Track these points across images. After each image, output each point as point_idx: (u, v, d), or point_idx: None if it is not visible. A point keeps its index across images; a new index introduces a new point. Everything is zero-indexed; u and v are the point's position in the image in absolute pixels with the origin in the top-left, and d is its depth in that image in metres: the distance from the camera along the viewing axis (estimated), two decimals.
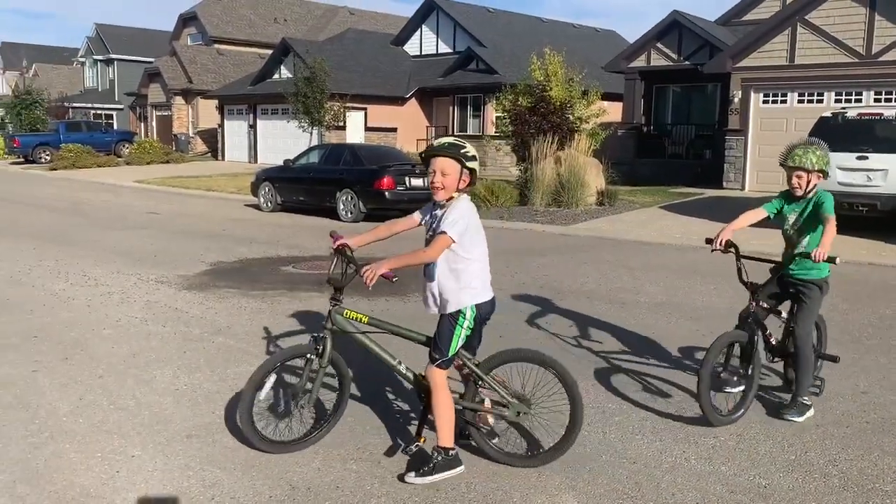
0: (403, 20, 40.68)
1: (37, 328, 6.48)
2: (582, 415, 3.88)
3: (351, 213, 15.03)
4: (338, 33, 38.53)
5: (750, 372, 4.61)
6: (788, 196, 4.72)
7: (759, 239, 7.29)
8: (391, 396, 4.97)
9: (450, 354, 3.73)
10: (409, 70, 33.40)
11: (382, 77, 31.95)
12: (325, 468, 3.91)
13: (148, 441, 4.21)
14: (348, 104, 27.48)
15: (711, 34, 22.18)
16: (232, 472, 3.83)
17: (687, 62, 22.52)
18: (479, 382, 3.89)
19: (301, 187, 16.37)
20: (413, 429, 4.23)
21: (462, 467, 3.76)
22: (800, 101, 18.87)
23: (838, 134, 11.64)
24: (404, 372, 3.95)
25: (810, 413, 4.60)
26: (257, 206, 17.13)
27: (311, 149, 18.13)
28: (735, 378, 4.66)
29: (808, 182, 4.54)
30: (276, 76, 33.22)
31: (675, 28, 22.80)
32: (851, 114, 12.34)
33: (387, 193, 14.55)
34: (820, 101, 18.31)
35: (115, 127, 46.51)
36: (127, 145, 36.47)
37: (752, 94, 19.47)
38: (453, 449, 3.74)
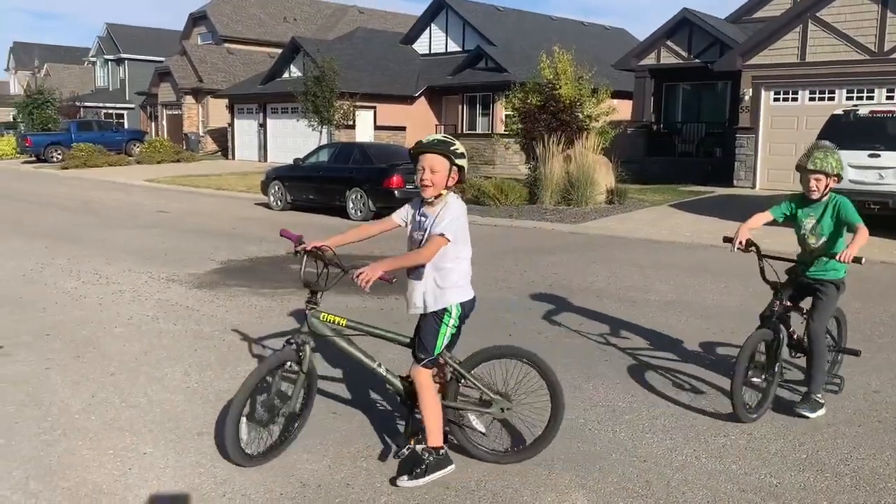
0: (413, 19, 40.69)
1: (49, 326, 6.53)
2: (563, 404, 3.91)
3: (360, 211, 15.06)
4: (347, 32, 38.56)
5: (774, 369, 4.66)
6: (801, 199, 4.71)
7: (771, 237, 7.25)
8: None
9: (435, 353, 3.69)
10: (418, 69, 33.41)
11: (392, 76, 31.98)
12: (336, 466, 3.92)
13: (160, 438, 4.23)
14: (358, 103, 27.52)
15: (721, 32, 22.07)
16: (243, 469, 3.84)
17: (697, 60, 22.42)
18: (462, 381, 3.87)
19: (311, 186, 16.40)
20: (402, 430, 4.19)
21: (453, 466, 3.74)
22: (811, 99, 18.75)
23: (850, 132, 11.56)
24: (384, 374, 3.88)
25: (822, 412, 4.59)
26: (267, 205, 17.18)
27: (320, 148, 18.15)
28: (762, 376, 4.69)
29: (826, 186, 4.56)
30: (285, 75, 33.29)
31: (684, 26, 22.70)
32: (863, 111, 12.25)
33: (396, 192, 14.56)
34: (831, 99, 18.20)
35: (126, 126, 46.76)
36: (138, 144, 36.63)
37: (763, 91, 19.36)
38: (443, 448, 3.72)
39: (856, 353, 5.02)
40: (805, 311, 4.84)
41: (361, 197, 15.06)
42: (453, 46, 33.90)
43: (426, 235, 3.63)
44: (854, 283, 5.98)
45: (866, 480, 3.80)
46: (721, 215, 14.04)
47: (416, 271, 3.69)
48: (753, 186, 19.51)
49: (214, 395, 4.92)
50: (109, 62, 53.91)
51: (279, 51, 36.24)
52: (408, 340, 3.86)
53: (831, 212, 4.58)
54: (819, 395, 4.62)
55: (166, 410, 4.65)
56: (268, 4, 48.47)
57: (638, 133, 23.94)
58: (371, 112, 30.79)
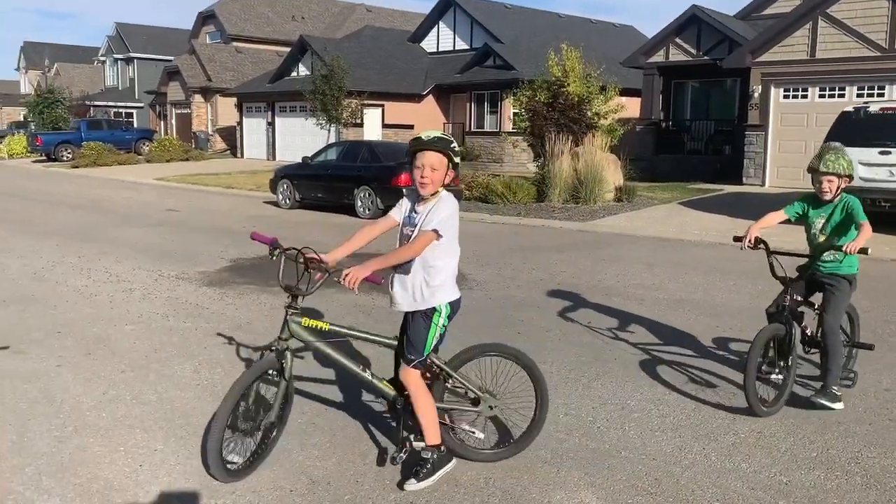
0: (420, 17, 40.70)
1: (60, 323, 6.57)
2: (547, 396, 3.97)
3: (369, 209, 15.07)
4: (355, 31, 38.60)
5: (788, 364, 4.68)
6: (813, 200, 4.77)
7: (781, 236, 7.22)
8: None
9: (425, 353, 3.64)
10: (425, 67, 33.41)
11: (399, 74, 32.00)
12: (345, 463, 3.94)
13: (170, 435, 4.26)
14: (366, 101, 27.56)
15: (731, 29, 21.97)
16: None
17: (706, 57, 22.33)
18: (449, 381, 3.86)
19: (319, 184, 16.43)
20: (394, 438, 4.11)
21: (454, 461, 3.75)
22: (821, 96, 18.66)
23: (860, 129, 11.51)
24: (370, 380, 3.79)
25: (840, 405, 4.60)
26: (276, 204, 17.22)
27: (328, 146, 18.18)
28: (776, 371, 4.69)
29: (838, 187, 4.61)
30: (293, 74, 33.36)
31: (693, 23, 22.61)
32: (873, 108, 12.19)
33: (404, 190, 14.52)
34: (841, 96, 18.10)
35: (136, 125, 46.94)
36: (147, 143, 36.80)
37: (773, 88, 19.28)
38: (442, 445, 3.71)
39: (870, 348, 5.04)
40: (816, 306, 4.85)
41: (370, 195, 15.08)
42: (461, 44, 33.90)
43: (416, 231, 3.57)
44: (864, 281, 5.94)
45: (877, 479, 3.79)
46: (730, 213, 14.00)
47: (403, 266, 3.61)
48: (763, 184, 19.43)
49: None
50: (119, 61, 54.14)
51: (287, 49, 36.30)
52: (394, 342, 3.79)
53: (841, 210, 4.64)
54: (835, 388, 4.64)
55: (177, 407, 4.67)
56: (276, 3, 48.60)
57: (646, 130, 23.88)
58: (379, 110, 30.83)
